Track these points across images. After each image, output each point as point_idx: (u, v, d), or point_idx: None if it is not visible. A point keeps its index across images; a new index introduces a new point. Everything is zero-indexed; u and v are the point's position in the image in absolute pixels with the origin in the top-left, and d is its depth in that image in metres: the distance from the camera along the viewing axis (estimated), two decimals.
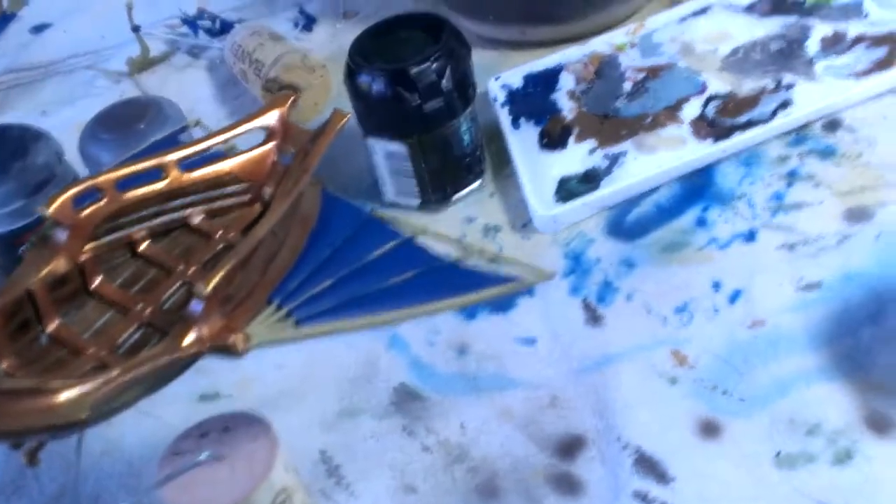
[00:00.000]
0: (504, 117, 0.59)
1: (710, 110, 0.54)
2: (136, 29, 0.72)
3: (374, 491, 0.43)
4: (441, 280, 0.35)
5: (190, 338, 0.30)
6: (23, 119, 0.73)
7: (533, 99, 0.59)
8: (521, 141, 0.57)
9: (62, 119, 0.70)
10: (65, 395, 0.29)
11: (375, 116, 0.54)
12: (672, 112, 0.55)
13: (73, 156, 0.59)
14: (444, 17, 0.55)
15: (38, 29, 0.84)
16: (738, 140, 0.52)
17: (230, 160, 0.37)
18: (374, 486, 0.44)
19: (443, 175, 0.55)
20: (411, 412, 0.46)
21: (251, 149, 0.37)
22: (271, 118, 0.38)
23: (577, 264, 0.50)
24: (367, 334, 0.50)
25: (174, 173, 0.36)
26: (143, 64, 0.73)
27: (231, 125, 0.38)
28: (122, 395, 0.30)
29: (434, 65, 0.52)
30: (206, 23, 0.75)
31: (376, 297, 0.33)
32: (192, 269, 0.35)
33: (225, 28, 0.74)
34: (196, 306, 0.30)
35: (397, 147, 0.54)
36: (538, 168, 0.55)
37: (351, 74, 0.53)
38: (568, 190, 0.53)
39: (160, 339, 0.33)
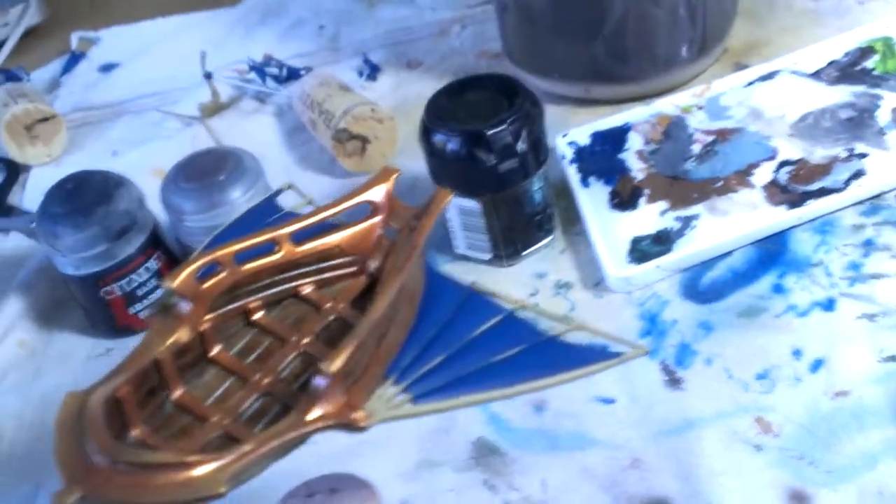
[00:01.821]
0: (573, 175, 0.60)
1: (783, 176, 0.55)
2: (208, 76, 0.73)
3: None
4: (547, 355, 0.36)
5: (314, 413, 0.31)
6: (93, 158, 0.75)
7: (601, 157, 0.61)
8: (592, 200, 0.58)
9: (133, 160, 0.71)
10: (202, 470, 0.30)
11: (449, 174, 0.55)
12: (743, 176, 0.56)
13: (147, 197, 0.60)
14: (516, 79, 0.56)
15: (107, 68, 0.86)
16: (813, 208, 0.53)
17: (338, 233, 0.38)
18: None
19: (514, 231, 0.57)
20: (491, 466, 0.47)
21: (357, 222, 0.39)
22: (377, 193, 0.39)
23: (652, 325, 0.51)
24: None
25: (287, 246, 0.37)
26: (214, 108, 0.75)
27: (338, 200, 0.39)
28: (253, 469, 0.31)
29: (510, 127, 0.53)
30: (273, 70, 0.76)
31: (486, 374, 0.34)
32: (306, 339, 0.36)
33: (291, 75, 0.76)
34: (320, 382, 0.31)
35: (470, 204, 0.55)
36: (609, 227, 0.56)
37: (426, 133, 0.55)
38: (641, 251, 0.54)
39: (281, 409, 0.34)
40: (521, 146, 0.53)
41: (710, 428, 0.45)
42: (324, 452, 0.42)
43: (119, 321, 0.59)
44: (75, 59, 0.87)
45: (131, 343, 0.61)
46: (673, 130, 0.61)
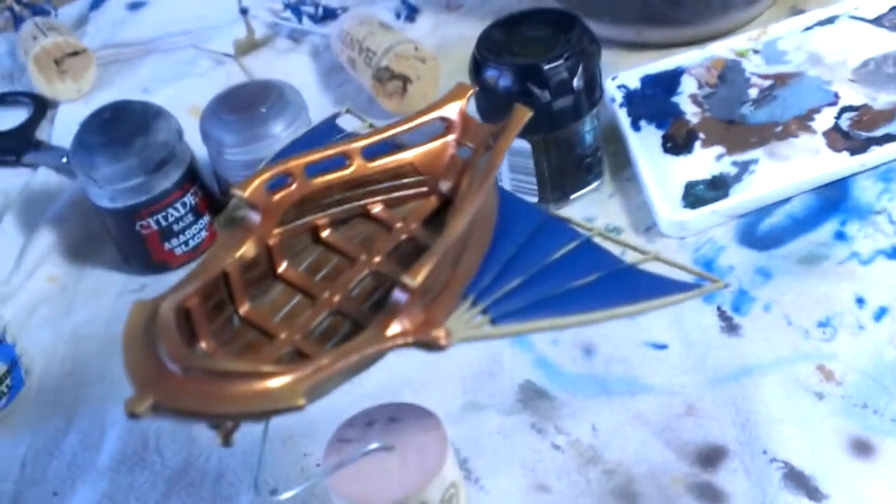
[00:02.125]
0: (623, 119, 0.58)
1: (845, 122, 0.53)
2: (244, 11, 0.71)
3: (505, 488, 0.43)
4: (627, 283, 0.34)
5: (394, 329, 0.30)
6: (123, 95, 0.72)
7: (653, 101, 0.59)
8: (643, 144, 0.56)
9: (165, 97, 0.69)
10: (279, 381, 0.28)
11: (500, 112, 0.53)
12: (803, 121, 0.54)
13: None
14: (574, 13, 0.54)
15: (135, 6, 0.84)
16: (877, 154, 0.51)
17: (410, 151, 0.37)
18: (505, 483, 0.43)
19: (563, 174, 0.55)
20: (539, 410, 0.46)
21: (429, 140, 0.37)
22: (451, 111, 0.37)
23: (708, 271, 0.49)
24: None
25: (358, 161, 0.36)
26: (249, 46, 0.73)
27: (411, 116, 0.37)
28: (327, 384, 0.29)
29: (566, 63, 0.51)
30: (310, 9, 0.74)
31: (565, 299, 0.33)
32: (377, 258, 0.34)
33: (327, 14, 0.74)
34: (400, 296, 0.30)
35: (520, 144, 0.54)
36: (662, 172, 0.54)
37: (477, 68, 0.53)
38: (695, 196, 0.52)
39: (351, 327, 0.32)
40: (577, 83, 0.51)
41: (769, 375, 0.44)
42: (365, 391, 0.41)
43: (154, 256, 0.58)
44: None
45: (166, 279, 0.60)
46: (728, 74, 0.59)
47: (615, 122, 0.59)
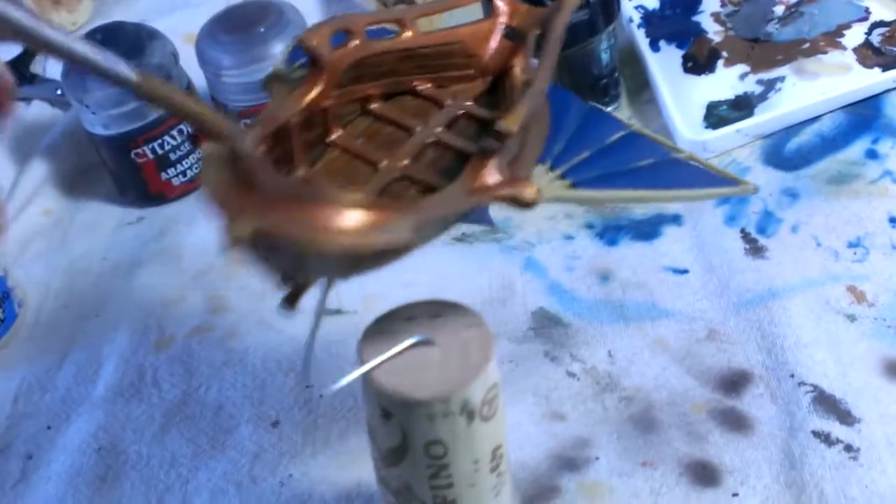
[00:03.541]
0: (641, 40, 0.55)
1: (876, 38, 0.50)
2: None
3: (518, 417, 0.41)
4: (682, 172, 0.33)
5: (485, 179, 0.28)
6: None
7: (672, 21, 0.56)
8: (662, 64, 0.53)
9: (164, 27, 0.66)
10: (388, 214, 0.26)
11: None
12: (832, 38, 0.51)
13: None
14: None
15: None
16: None
17: (458, 29, 0.35)
18: (517, 412, 0.41)
19: (578, 95, 0.52)
20: (553, 338, 0.44)
21: (477, 22, 0.35)
22: None
23: None
24: (500, 256, 0.48)
25: (412, 32, 0.34)
26: None
27: None
28: (429, 228, 0.28)
29: None
30: None
31: (631, 176, 0.32)
32: (437, 129, 0.33)
33: None
34: (492, 144, 0.28)
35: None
36: (683, 92, 0.51)
37: None
38: (718, 116, 0.49)
39: (422, 192, 0.31)
40: None
41: (796, 297, 0.41)
42: (366, 322, 0.39)
43: (151, 187, 0.56)
44: None
45: (163, 211, 0.58)
46: None
47: (633, 43, 0.56)
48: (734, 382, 0.40)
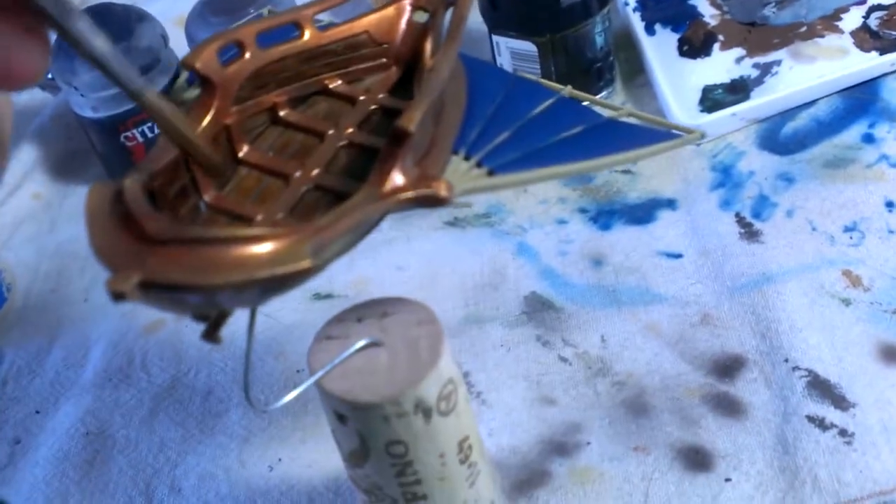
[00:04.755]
0: (636, 23, 0.55)
1: (874, 21, 0.50)
2: None
3: (509, 401, 0.40)
4: (611, 135, 0.32)
5: (392, 183, 0.27)
6: None
7: (668, 4, 0.55)
8: (658, 48, 0.53)
9: (154, 10, 0.66)
10: (279, 243, 0.25)
11: (504, 10, 0.50)
12: (829, 21, 0.50)
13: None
14: None
15: None
16: None
17: (362, 19, 0.34)
18: (508, 397, 0.41)
19: (571, 80, 0.51)
20: (545, 322, 0.43)
21: (382, 7, 0.34)
22: None
23: (726, 177, 0.46)
24: (492, 241, 0.47)
25: (311, 30, 0.32)
26: None
27: None
28: (332, 246, 0.26)
29: None
30: None
31: (556, 150, 0.30)
32: (348, 130, 0.31)
33: None
34: (393, 146, 0.27)
35: (526, 46, 0.50)
36: (678, 76, 0.51)
37: None
38: (713, 100, 0.49)
39: (335, 200, 0.29)
40: None
41: (791, 282, 0.41)
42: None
43: None
44: None
45: None
46: None
47: (627, 27, 0.55)
48: (728, 367, 0.39)
